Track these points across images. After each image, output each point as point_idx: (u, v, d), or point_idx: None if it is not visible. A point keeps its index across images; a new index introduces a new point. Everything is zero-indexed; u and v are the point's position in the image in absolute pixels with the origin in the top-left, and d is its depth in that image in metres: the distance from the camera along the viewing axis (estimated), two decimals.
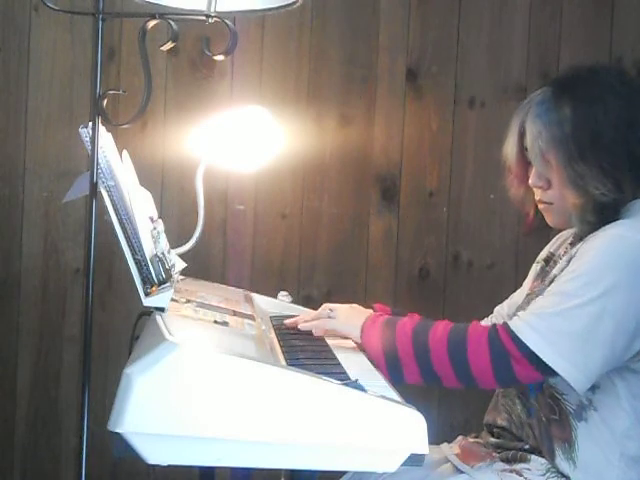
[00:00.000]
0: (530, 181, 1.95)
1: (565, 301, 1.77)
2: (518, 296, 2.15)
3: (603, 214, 1.86)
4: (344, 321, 1.95)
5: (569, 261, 1.86)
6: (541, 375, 1.79)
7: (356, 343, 1.95)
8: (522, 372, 1.77)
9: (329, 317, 1.96)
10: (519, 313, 1.83)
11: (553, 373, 1.77)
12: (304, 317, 2.03)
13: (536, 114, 1.90)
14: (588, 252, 1.80)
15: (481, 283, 3.04)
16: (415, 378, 1.83)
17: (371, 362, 1.85)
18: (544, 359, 1.75)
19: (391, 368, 1.82)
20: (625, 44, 3.04)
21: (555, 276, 1.90)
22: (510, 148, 1.97)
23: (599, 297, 1.75)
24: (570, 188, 1.88)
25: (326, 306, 2.04)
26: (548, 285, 1.90)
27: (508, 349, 1.76)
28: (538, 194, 1.96)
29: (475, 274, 3.06)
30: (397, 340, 1.84)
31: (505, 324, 1.80)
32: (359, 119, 3.02)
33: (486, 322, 2.22)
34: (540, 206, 1.97)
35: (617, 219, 1.86)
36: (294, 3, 1.90)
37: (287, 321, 2.08)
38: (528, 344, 1.75)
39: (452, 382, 1.83)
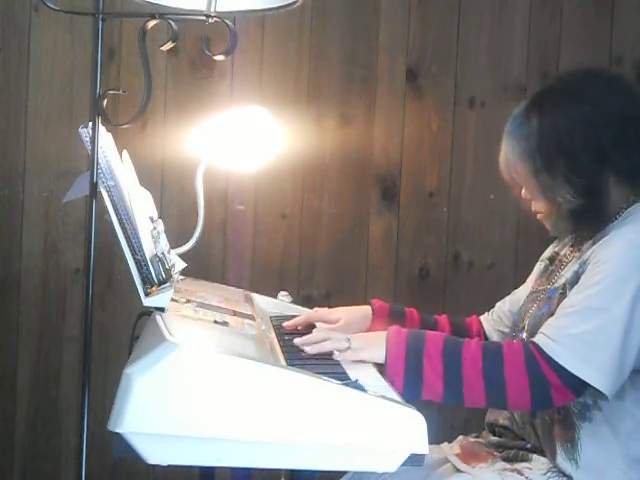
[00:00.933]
0: (521, 194, 1.98)
1: (596, 317, 1.77)
2: (521, 293, 2.15)
3: (580, 220, 1.88)
4: (365, 347, 1.82)
5: (582, 265, 1.87)
6: (575, 396, 1.79)
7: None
8: (559, 398, 1.77)
9: (349, 348, 1.82)
10: (547, 333, 1.79)
11: (587, 388, 1.77)
12: (309, 336, 1.89)
13: (509, 130, 1.95)
14: (606, 262, 1.80)
15: (481, 283, 3.04)
16: (433, 397, 1.77)
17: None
18: (587, 380, 1.74)
19: (409, 385, 1.75)
20: (625, 44, 3.04)
21: (567, 280, 1.90)
22: (501, 165, 2.00)
23: (628, 307, 1.76)
24: (541, 199, 1.92)
25: (323, 327, 2.01)
26: (562, 290, 1.89)
27: (548, 378, 1.75)
28: (532, 205, 1.97)
29: (475, 274, 3.06)
30: (425, 361, 1.77)
31: (540, 349, 1.77)
32: (359, 119, 3.02)
33: (486, 317, 2.22)
34: (537, 216, 1.98)
35: (610, 220, 1.88)
36: (294, 3, 1.90)
37: (286, 324, 2.08)
38: (570, 369, 1.74)
39: (476, 403, 1.79)
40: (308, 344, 1.83)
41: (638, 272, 1.77)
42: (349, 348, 1.82)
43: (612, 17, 3.04)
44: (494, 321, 2.19)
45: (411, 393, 1.74)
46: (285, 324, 2.08)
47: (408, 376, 1.76)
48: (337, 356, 1.81)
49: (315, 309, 2.19)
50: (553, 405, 1.80)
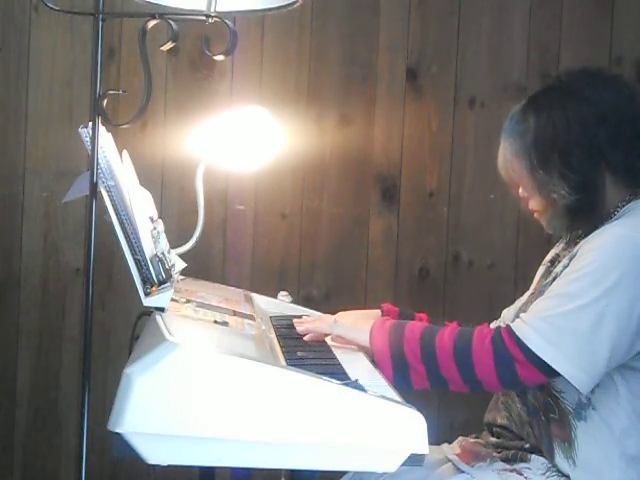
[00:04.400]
0: (519, 193, 1.99)
1: (568, 302, 1.78)
2: (524, 299, 2.15)
3: (575, 217, 1.89)
4: (351, 326, 1.95)
5: (571, 259, 1.87)
6: (545, 377, 1.79)
7: (360, 347, 1.94)
8: (526, 375, 1.78)
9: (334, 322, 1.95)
10: (522, 315, 1.83)
11: (557, 374, 1.77)
12: (307, 320, 2.03)
13: (506, 129, 1.96)
14: (590, 252, 1.81)
15: (481, 283, 3.04)
16: (422, 382, 1.82)
17: (374, 365, 1.85)
18: (548, 362, 1.75)
19: (398, 371, 1.82)
20: (625, 44, 3.04)
21: (557, 274, 1.91)
22: (499, 164, 2.00)
23: (602, 297, 1.76)
24: (537, 195, 1.93)
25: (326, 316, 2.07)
26: (551, 283, 1.90)
27: (512, 353, 1.77)
28: (529, 204, 1.98)
29: (475, 274, 3.06)
30: (405, 342, 1.83)
31: (508, 327, 1.80)
32: (359, 119, 3.02)
33: (494, 325, 2.21)
34: (534, 215, 1.99)
35: (606, 219, 1.89)
36: (294, 3, 1.90)
37: (296, 323, 2.09)
38: (532, 348, 1.76)
39: (459, 385, 1.83)
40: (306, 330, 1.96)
41: (619, 266, 1.77)
42: (335, 324, 1.94)
43: (612, 17, 3.04)
44: None
45: (401, 382, 1.80)
46: (295, 321, 2.11)
47: (395, 364, 1.82)
48: (320, 326, 1.94)
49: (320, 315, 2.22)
50: (522, 383, 1.80)
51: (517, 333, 1.78)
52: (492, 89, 3.04)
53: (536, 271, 2.17)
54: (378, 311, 2.18)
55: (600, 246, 1.81)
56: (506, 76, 3.04)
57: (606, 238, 1.82)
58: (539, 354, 1.75)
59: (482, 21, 3.05)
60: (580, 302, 1.77)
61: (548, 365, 1.76)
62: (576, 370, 1.76)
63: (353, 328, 1.94)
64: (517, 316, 2.04)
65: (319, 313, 2.28)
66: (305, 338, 1.96)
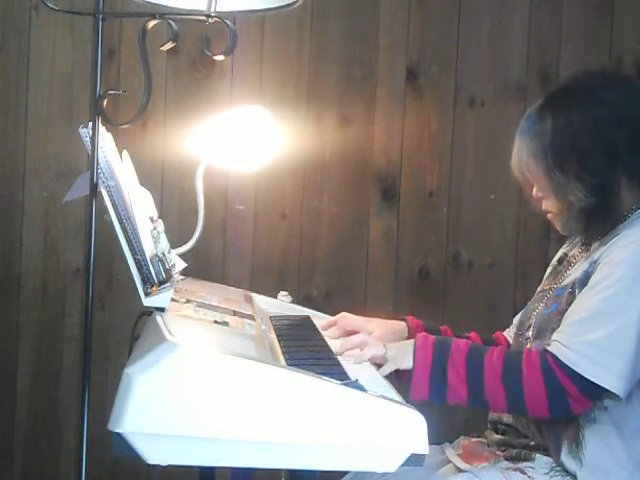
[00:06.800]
0: (533, 193, 1.98)
1: (609, 322, 1.78)
2: None
3: (591, 219, 1.89)
4: (400, 357, 1.85)
5: (591, 264, 1.87)
6: (594, 402, 1.80)
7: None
8: (577, 407, 1.79)
9: (386, 358, 1.85)
10: (563, 341, 1.80)
11: (606, 393, 1.78)
12: (345, 343, 1.92)
13: (522, 129, 1.95)
14: (617, 265, 1.81)
15: (481, 283, 3.04)
16: (458, 401, 1.81)
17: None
18: (602, 385, 1.76)
19: (434, 389, 1.80)
20: (625, 44, 3.04)
21: (576, 279, 1.89)
22: (513, 163, 1.99)
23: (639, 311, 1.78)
24: (552, 197, 1.93)
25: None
26: (571, 289, 1.88)
27: (565, 387, 1.77)
28: (542, 204, 1.97)
29: (475, 274, 3.06)
30: (449, 366, 1.80)
31: (557, 359, 1.78)
32: (359, 119, 3.02)
33: (508, 332, 2.19)
34: (547, 215, 1.98)
35: (619, 221, 1.89)
36: (294, 3, 1.91)
37: (321, 327, 2.08)
38: (585, 375, 1.76)
39: (500, 410, 1.86)
40: (348, 348, 1.87)
41: None
42: (386, 357, 1.84)
43: (612, 17, 3.04)
44: (513, 333, 2.18)
45: (437, 397, 1.79)
46: (322, 326, 2.12)
47: (433, 380, 1.79)
48: (382, 371, 1.82)
49: (343, 314, 2.18)
50: (572, 413, 1.81)
51: (568, 364, 1.77)
52: (492, 89, 3.04)
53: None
54: (404, 323, 2.15)
55: (626, 259, 1.81)
56: (506, 76, 3.04)
57: (629, 248, 1.82)
58: (596, 381, 1.75)
59: (482, 21, 3.05)
60: (621, 320, 1.77)
61: (599, 389, 1.76)
62: (623, 384, 1.77)
63: (401, 358, 1.85)
64: (524, 316, 2.03)
65: (319, 313, 2.27)
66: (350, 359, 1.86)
